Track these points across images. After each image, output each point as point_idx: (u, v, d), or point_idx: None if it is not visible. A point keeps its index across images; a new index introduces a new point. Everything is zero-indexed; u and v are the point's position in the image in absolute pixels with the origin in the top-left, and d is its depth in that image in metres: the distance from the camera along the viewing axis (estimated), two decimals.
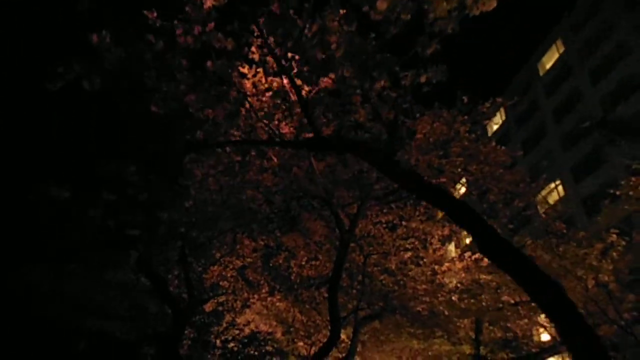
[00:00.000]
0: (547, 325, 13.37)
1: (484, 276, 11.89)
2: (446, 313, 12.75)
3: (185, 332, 12.12)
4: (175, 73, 7.45)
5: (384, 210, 13.08)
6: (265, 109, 11.82)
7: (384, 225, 13.60)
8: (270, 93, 11.44)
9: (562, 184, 31.59)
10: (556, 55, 35.13)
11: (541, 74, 36.51)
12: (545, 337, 22.65)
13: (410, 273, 12.74)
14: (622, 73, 28.45)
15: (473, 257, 12.92)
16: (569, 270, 8.96)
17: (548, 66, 36.01)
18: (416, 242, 13.17)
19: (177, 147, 13.10)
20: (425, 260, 13.13)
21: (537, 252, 9.49)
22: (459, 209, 4.92)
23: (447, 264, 13.04)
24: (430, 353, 12.57)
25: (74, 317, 11.66)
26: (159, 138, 11.14)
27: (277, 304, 15.48)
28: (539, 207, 32.97)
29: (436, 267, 13.11)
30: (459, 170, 9.50)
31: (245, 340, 13.67)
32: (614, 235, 9.53)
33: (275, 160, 12.06)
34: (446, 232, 13.08)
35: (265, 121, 11.66)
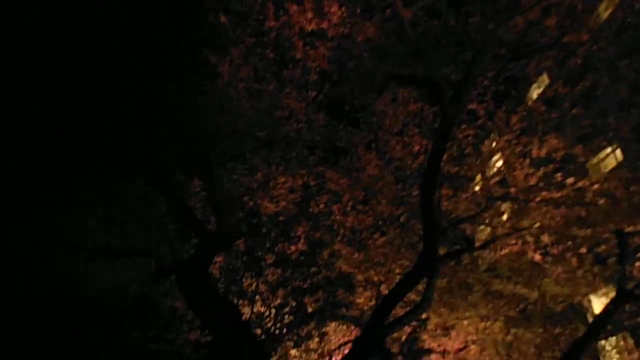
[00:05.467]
0: None
1: (602, 201, 9.00)
2: (537, 258, 9.94)
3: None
4: None
5: (465, 118, 10.26)
6: None
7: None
8: None
9: None
10: None
11: None
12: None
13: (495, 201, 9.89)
14: None
15: (575, 186, 9.95)
16: None
17: None
18: (502, 165, 10.33)
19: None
20: (514, 188, 10.25)
21: None
22: None
23: (542, 194, 10.13)
24: (530, 301, 9.69)
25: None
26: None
27: None
28: None
29: (525, 195, 10.21)
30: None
31: (301, 259, 10.85)
32: None
33: (325, 51, 9.36)
34: (543, 152, 10.19)
35: None
